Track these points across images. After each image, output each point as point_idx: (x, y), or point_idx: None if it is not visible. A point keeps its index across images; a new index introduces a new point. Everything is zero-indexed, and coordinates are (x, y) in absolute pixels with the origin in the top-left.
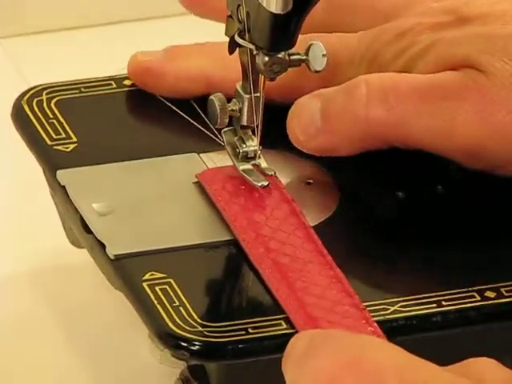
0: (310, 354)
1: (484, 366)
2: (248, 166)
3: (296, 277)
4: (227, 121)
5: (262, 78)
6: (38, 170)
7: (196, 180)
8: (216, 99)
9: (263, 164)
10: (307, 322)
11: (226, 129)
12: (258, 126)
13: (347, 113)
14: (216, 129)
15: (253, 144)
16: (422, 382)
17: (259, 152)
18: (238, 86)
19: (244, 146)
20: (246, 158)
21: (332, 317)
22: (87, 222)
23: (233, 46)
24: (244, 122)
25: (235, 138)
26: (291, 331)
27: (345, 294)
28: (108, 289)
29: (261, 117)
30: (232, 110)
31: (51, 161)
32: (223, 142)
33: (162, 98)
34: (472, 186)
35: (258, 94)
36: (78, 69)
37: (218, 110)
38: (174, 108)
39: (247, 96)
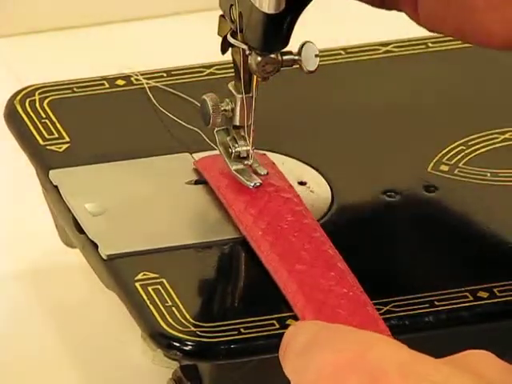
0: (313, 347)
1: (481, 358)
2: (240, 166)
3: (295, 259)
4: (220, 121)
5: (254, 78)
6: (31, 170)
7: (189, 180)
8: (209, 99)
9: (255, 164)
10: (306, 305)
11: (218, 128)
12: (250, 126)
13: None
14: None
15: (245, 144)
16: (424, 378)
17: (252, 152)
18: (231, 86)
19: (236, 145)
20: (239, 157)
21: (331, 299)
22: (80, 222)
23: (225, 45)
24: (236, 122)
25: (228, 138)
26: (284, 331)
27: (343, 275)
28: (101, 289)
29: (253, 117)
30: (224, 110)
31: (44, 161)
32: (216, 142)
33: (153, 99)
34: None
35: (251, 94)
36: (70, 69)
37: (211, 110)
38: (164, 111)
39: (240, 96)
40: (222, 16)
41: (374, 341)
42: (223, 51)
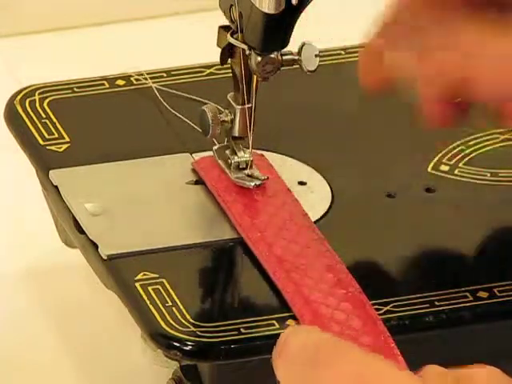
0: (317, 365)
1: (488, 375)
2: (241, 175)
3: (293, 260)
4: (219, 131)
5: (253, 88)
6: (31, 170)
7: (189, 180)
8: (208, 110)
9: (256, 173)
10: (304, 306)
11: (216, 146)
12: (250, 137)
13: None
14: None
15: (245, 155)
16: None
17: (251, 162)
18: (230, 97)
19: (236, 157)
20: (238, 168)
21: (330, 300)
22: (80, 222)
23: (225, 56)
24: (236, 133)
25: (227, 151)
26: (283, 331)
27: (342, 278)
28: (100, 289)
29: (252, 127)
30: (224, 121)
31: (44, 161)
32: (215, 155)
33: (159, 96)
34: (463, 189)
35: (250, 105)
36: (70, 69)
37: (210, 121)
38: (168, 107)
39: (239, 107)
40: (221, 27)
41: (374, 362)
42: (222, 62)
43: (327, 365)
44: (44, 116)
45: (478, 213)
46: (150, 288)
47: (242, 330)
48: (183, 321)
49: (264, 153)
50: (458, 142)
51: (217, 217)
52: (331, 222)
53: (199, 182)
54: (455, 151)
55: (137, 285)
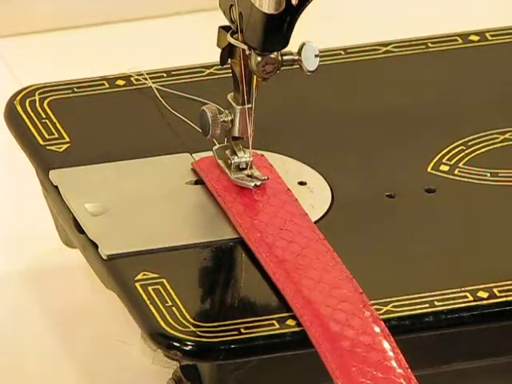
0: None
1: None
2: (240, 175)
3: (293, 260)
4: (219, 132)
5: (253, 88)
6: (31, 170)
7: (189, 180)
8: (208, 110)
9: (256, 173)
10: (304, 306)
11: (216, 147)
12: (249, 137)
13: None
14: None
15: (245, 155)
16: None
17: (251, 162)
18: (230, 98)
19: (236, 157)
20: (238, 168)
21: (330, 300)
22: (80, 222)
23: (225, 57)
24: (236, 133)
25: (227, 151)
26: (284, 331)
27: (342, 277)
28: (101, 289)
29: (252, 127)
30: (224, 122)
31: (44, 161)
32: (215, 155)
33: (158, 96)
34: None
35: (250, 105)
36: (70, 69)
37: (210, 121)
38: (168, 107)
39: (239, 107)
40: (221, 27)
41: None
42: (222, 63)
43: None
44: (44, 116)
45: (477, 213)
46: (150, 288)
47: (242, 330)
48: (183, 321)
49: (264, 153)
50: (458, 142)
51: (217, 217)
52: (331, 222)
53: (199, 182)
54: (455, 151)
55: (137, 285)
